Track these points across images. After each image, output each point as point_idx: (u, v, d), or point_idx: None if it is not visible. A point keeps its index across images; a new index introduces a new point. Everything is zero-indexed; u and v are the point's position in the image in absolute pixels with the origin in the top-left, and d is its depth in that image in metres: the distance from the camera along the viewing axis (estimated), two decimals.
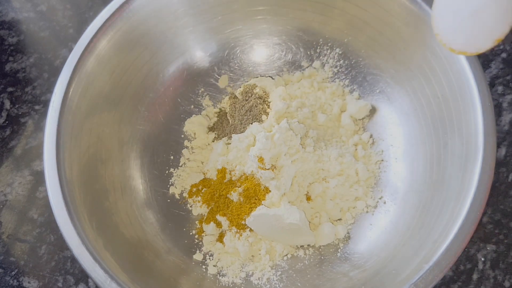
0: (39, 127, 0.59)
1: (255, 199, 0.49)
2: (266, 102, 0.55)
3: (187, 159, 0.55)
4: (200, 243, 0.51)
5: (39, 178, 0.57)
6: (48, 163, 0.43)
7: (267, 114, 0.54)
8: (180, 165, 0.55)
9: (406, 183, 0.49)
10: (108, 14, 0.48)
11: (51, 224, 0.55)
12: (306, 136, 0.51)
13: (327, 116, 0.53)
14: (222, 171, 0.52)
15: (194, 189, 0.53)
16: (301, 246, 0.50)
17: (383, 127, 0.53)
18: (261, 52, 0.59)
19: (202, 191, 0.53)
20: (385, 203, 0.50)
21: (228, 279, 0.48)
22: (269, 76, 0.57)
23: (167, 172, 0.54)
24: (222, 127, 0.56)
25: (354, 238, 0.49)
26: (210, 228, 0.50)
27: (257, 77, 0.57)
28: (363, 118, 0.54)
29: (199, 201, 0.53)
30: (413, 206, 0.47)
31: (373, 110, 0.54)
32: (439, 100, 0.45)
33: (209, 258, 0.50)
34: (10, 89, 0.61)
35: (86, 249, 0.40)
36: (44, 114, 0.44)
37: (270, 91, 0.56)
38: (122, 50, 0.50)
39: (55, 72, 0.45)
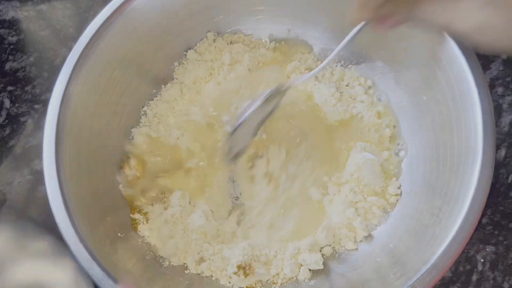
0: (39, 126, 0.59)
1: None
2: None
3: None
4: None
5: (38, 177, 0.57)
6: (47, 162, 0.43)
7: None
8: None
9: (405, 184, 0.49)
10: (108, 13, 0.48)
11: (50, 223, 0.55)
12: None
13: None
14: None
15: None
16: None
17: None
18: None
19: None
20: None
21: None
22: None
23: None
24: None
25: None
26: None
27: None
28: None
29: None
30: (412, 207, 0.47)
31: None
32: (439, 101, 0.45)
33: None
34: (9, 88, 0.61)
35: (84, 248, 0.40)
36: (44, 113, 0.44)
37: None
38: (122, 49, 0.50)
39: (55, 71, 0.45)
